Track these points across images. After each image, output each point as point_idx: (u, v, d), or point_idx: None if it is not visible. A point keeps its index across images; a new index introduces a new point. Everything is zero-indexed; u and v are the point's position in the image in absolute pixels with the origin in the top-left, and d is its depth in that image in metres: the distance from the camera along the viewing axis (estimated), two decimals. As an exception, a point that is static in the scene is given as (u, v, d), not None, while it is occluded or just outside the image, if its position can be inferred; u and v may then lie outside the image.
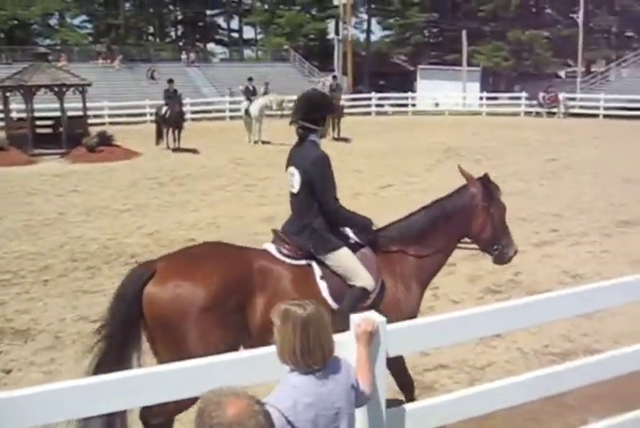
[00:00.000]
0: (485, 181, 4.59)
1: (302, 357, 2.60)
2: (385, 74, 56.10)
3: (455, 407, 3.67)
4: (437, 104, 39.04)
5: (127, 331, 3.80)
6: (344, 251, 4.17)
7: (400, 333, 3.33)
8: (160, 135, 22.20)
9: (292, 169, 4.27)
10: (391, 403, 3.39)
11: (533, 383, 3.97)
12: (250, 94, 24.01)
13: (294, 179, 4.24)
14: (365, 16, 61.34)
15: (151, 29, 60.83)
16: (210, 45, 62.30)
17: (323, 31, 56.87)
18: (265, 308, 3.76)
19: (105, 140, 21.21)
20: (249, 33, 63.41)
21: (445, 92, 40.07)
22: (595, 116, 34.04)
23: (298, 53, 46.96)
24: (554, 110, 34.78)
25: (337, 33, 46.15)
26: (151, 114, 27.67)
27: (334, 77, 28.58)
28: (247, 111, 23.35)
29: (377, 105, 37.04)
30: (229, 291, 3.80)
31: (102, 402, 2.68)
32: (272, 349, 2.74)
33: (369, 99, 37.10)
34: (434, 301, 7.31)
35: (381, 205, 12.91)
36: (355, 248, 4.26)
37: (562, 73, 62.97)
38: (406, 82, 48.69)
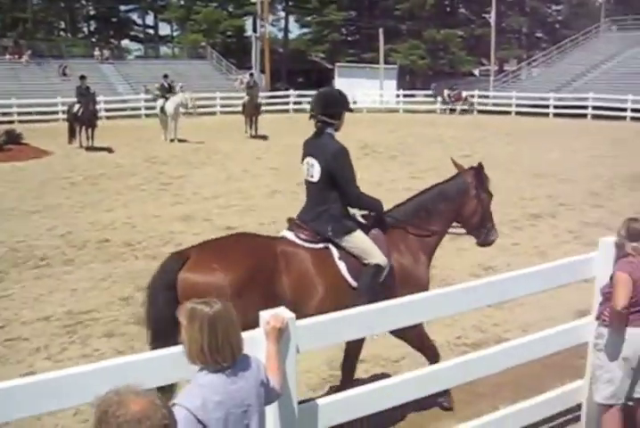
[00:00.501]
0: (478, 171, 5.01)
1: (211, 354, 2.58)
2: (303, 72, 56.33)
3: (367, 401, 3.71)
4: (354, 102, 39.40)
5: (166, 314, 3.83)
6: (359, 233, 4.52)
7: (310, 328, 3.34)
8: (72, 134, 21.54)
9: (311, 160, 4.62)
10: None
11: (445, 373, 4.07)
12: (166, 91, 23.58)
13: (313, 169, 4.59)
14: (282, 14, 61.46)
15: (63, 24, 58.93)
16: (125, 42, 60.97)
17: (240, 28, 56.53)
18: (291, 289, 4.17)
19: (13, 138, 20.44)
20: (165, 29, 62.56)
21: (362, 90, 40.49)
22: (508, 113, 35.16)
23: (215, 51, 46.40)
24: (458, 107, 35.79)
25: (254, 30, 46.00)
26: (63, 112, 26.77)
27: (251, 74, 28.37)
28: (162, 109, 22.92)
29: (295, 103, 37.16)
30: (256, 274, 4.08)
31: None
32: (179, 349, 2.69)
33: (287, 96, 37.17)
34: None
35: (299, 202, 12.94)
36: (365, 230, 4.60)
37: (476, 71, 64.78)
38: (323, 80, 48.94)
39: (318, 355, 5.47)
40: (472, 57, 56.98)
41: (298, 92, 37.94)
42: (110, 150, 20.52)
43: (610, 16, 54.47)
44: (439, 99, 37.00)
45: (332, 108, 4.66)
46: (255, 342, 3.03)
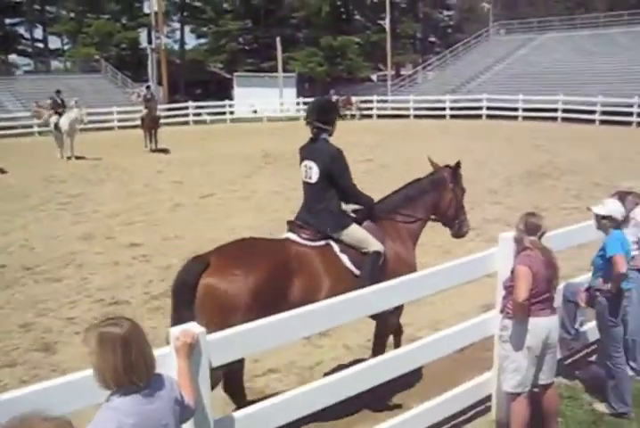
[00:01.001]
0: (454, 169, 5.52)
1: (127, 375, 2.52)
2: (201, 83, 55.81)
3: (283, 410, 3.69)
4: (255, 111, 39.37)
5: (186, 317, 4.00)
6: (354, 226, 4.98)
7: (221, 341, 3.30)
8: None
9: (309, 163, 5.03)
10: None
11: (362, 376, 4.10)
12: (59, 107, 22.78)
13: (312, 171, 5.01)
14: (177, 25, 60.58)
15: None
16: (12, 57, 58.49)
17: (135, 40, 55.28)
18: (302, 288, 4.50)
19: None
20: (55, 43, 60.33)
21: (262, 98, 40.53)
22: (407, 117, 36.04)
23: (109, 64, 45.28)
24: (348, 112, 36.38)
25: (150, 42, 45.17)
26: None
27: (148, 87, 27.84)
28: (57, 126, 22.10)
29: (195, 114, 36.72)
30: (273, 278, 4.37)
31: None
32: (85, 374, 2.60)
33: (186, 108, 36.65)
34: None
35: (205, 214, 12.79)
36: (358, 222, 5.06)
37: (374, 77, 66.03)
38: (223, 90, 48.74)
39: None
40: (370, 63, 58.08)
41: (197, 103, 37.56)
42: (2, 170, 19.59)
43: (498, 20, 56.92)
44: None
45: (326, 115, 5.10)
46: (166, 360, 2.97)
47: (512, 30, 50.51)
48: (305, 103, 39.21)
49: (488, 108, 34.05)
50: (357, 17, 63.43)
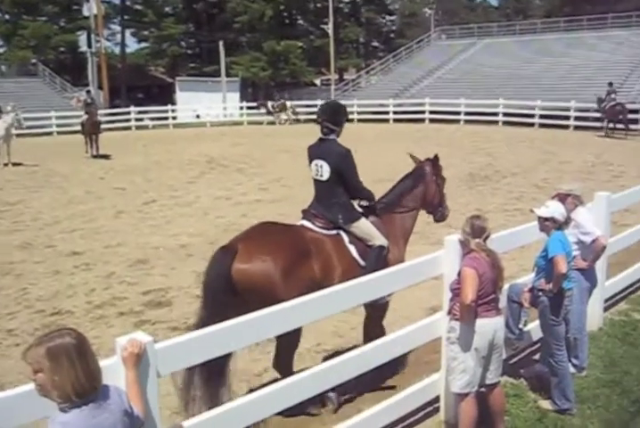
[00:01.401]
0: (433, 161, 5.98)
1: (89, 382, 2.51)
2: (143, 87, 55.06)
3: (230, 419, 3.65)
4: (198, 116, 39.08)
5: (221, 301, 4.52)
6: (363, 220, 5.41)
7: (169, 350, 3.25)
8: None
9: (320, 162, 5.39)
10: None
11: (310, 381, 4.09)
12: (-5, 111, 22.15)
13: (322, 169, 5.38)
14: (118, 28, 59.64)
15: None
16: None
17: (73, 43, 54.16)
18: (320, 269, 4.96)
19: None
20: (-11, 46, 58.63)
21: (205, 103, 40.25)
22: (351, 121, 35.96)
23: (47, 68, 44.17)
24: (284, 116, 36.50)
25: (89, 46, 44.23)
26: None
27: (88, 91, 27.38)
28: (-8, 131, 21.46)
29: (137, 119, 36.22)
30: (297, 259, 4.84)
31: None
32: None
33: (128, 113, 36.09)
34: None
35: (149, 220, 12.59)
36: (366, 216, 5.48)
37: (317, 81, 66.31)
38: (165, 94, 48.23)
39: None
40: (313, 67, 58.25)
41: (139, 108, 37.01)
42: None
43: (439, 26, 57.91)
44: (264, 110, 37.41)
45: (336, 116, 5.46)
46: (113, 371, 2.90)
47: (454, 35, 51.45)
48: (248, 108, 39.18)
49: (431, 112, 34.53)
50: (301, 22, 63.63)
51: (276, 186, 15.66)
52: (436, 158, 6.00)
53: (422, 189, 5.88)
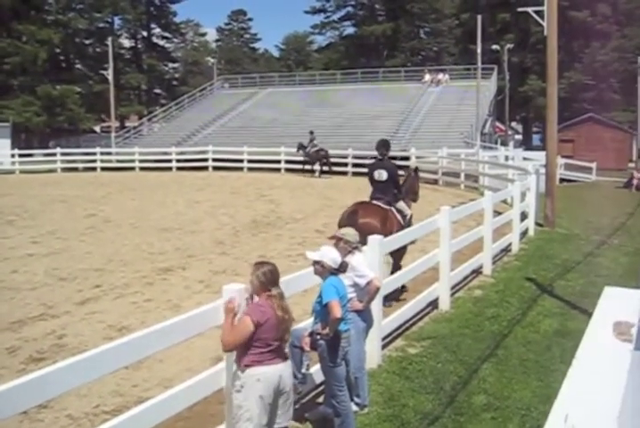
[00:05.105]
0: (416, 171, 10.70)
1: None
2: None
3: None
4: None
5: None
6: (401, 202, 9.79)
7: None
8: None
9: (381, 170, 9.67)
10: None
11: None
12: None
13: (382, 175, 9.63)
14: None
15: None
16: None
17: None
18: (390, 223, 9.30)
19: None
20: None
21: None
22: (132, 169, 35.40)
23: None
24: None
25: None
26: None
27: None
28: None
29: None
30: (385, 217, 9.28)
31: None
32: None
33: None
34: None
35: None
36: (401, 199, 9.99)
37: (97, 128, 64.23)
38: None
39: None
40: (92, 114, 56.26)
41: None
42: None
43: (222, 75, 59.06)
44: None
45: (387, 148, 10.07)
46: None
47: (236, 84, 52.74)
48: (21, 155, 36.80)
49: (215, 160, 34.81)
50: (79, 66, 61.55)
51: (50, 240, 14.67)
52: (416, 169, 10.80)
53: (414, 186, 10.46)
